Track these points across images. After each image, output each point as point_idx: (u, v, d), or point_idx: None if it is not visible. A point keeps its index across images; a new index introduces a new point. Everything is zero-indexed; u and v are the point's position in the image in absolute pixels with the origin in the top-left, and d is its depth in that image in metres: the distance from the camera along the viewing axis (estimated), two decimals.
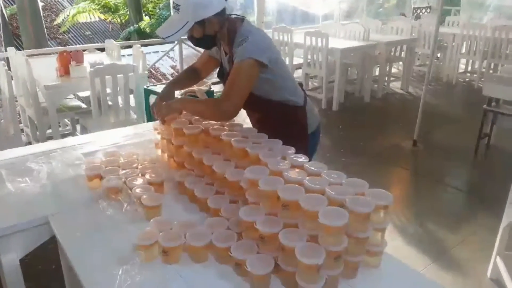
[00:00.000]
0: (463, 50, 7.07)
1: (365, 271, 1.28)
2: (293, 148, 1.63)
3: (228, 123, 1.87)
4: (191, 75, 2.17)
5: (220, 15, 1.74)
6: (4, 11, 9.02)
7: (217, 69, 2.08)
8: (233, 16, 1.84)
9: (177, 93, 3.59)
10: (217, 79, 2.17)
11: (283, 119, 1.91)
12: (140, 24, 12.24)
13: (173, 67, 10.12)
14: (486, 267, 2.64)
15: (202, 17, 1.70)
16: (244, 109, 1.92)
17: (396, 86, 6.88)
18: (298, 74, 6.40)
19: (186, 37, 1.83)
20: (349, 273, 1.24)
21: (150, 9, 13.30)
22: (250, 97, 1.75)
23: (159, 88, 3.81)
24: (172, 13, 1.76)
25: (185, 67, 4.40)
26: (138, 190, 1.60)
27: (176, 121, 1.89)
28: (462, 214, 3.45)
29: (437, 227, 3.22)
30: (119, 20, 13.44)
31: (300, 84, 2.07)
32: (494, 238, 2.59)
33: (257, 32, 1.81)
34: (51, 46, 9.95)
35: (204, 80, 3.73)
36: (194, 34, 1.77)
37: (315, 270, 1.11)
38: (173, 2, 1.72)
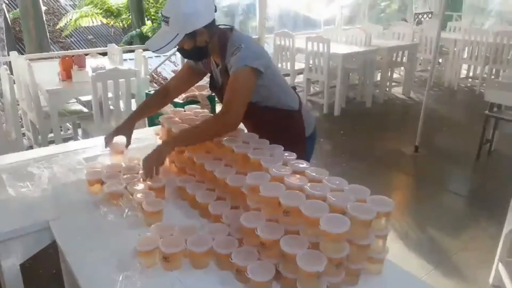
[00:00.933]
0: (465, 56, 7.07)
1: (366, 278, 1.27)
2: (294, 153, 1.62)
3: None
4: (156, 99, 2.10)
5: (210, 27, 1.73)
6: (7, 15, 9.06)
7: (198, 83, 2.09)
8: (222, 26, 1.83)
9: (178, 98, 3.60)
10: None
11: (280, 124, 1.91)
12: (142, 28, 12.27)
13: (174, 71, 10.14)
14: (488, 273, 2.63)
15: (192, 29, 1.67)
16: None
17: (397, 91, 6.88)
18: (299, 79, 6.41)
19: (176, 49, 1.79)
20: (351, 280, 1.23)
21: (152, 13, 13.33)
22: (248, 106, 1.74)
23: None
24: (162, 25, 1.71)
25: None
26: (139, 196, 1.60)
27: (177, 126, 1.89)
28: (464, 220, 3.44)
29: (439, 233, 3.20)
30: (121, 24, 13.48)
31: (293, 88, 2.06)
32: (496, 244, 2.58)
33: (248, 40, 1.80)
34: (53, 50, 10.01)
35: (205, 84, 3.74)
36: (184, 46, 1.73)
37: (316, 277, 1.10)
38: (162, 15, 1.68)
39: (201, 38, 1.72)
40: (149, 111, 2.13)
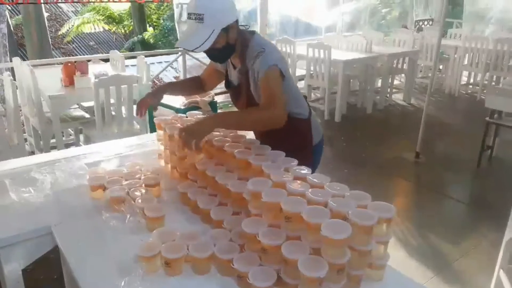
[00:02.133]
0: (465, 62, 7.09)
1: (368, 284, 1.27)
2: (296, 160, 1.63)
3: (231, 134, 1.87)
4: (194, 83, 2.17)
5: (237, 22, 1.75)
6: (9, 21, 9.12)
7: (221, 83, 2.09)
8: (242, 27, 1.84)
9: (180, 104, 3.62)
10: (220, 90, 2.20)
11: (289, 132, 1.87)
12: (144, 34, 12.35)
13: (176, 78, 10.18)
14: (489, 280, 2.62)
15: (227, 23, 1.68)
16: None
17: (398, 98, 6.89)
18: (300, 85, 6.43)
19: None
20: (352, 286, 1.24)
21: (154, 20, 13.42)
22: None
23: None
24: (190, 24, 1.69)
25: (188, 76, 4.41)
26: (141, 201, 1.60)
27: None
28: (465, 226, 3.44)
29: (440, 239, 3.20)
30: (123, 30, 13.56)
31: (304, 97, 2.06)
32: (497, 251, 2.57)
33: (270, 44, 1.82)
34: (55, 56, 10.04)
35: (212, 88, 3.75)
36: (217, 44, 1.70)
37: (317, 283, 1.11)
38: (192, 13, 1.65)
39: (232, 33, 1.74)
40: (182, 90, 2.21)
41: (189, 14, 1.68)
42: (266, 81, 1.71)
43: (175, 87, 2.19)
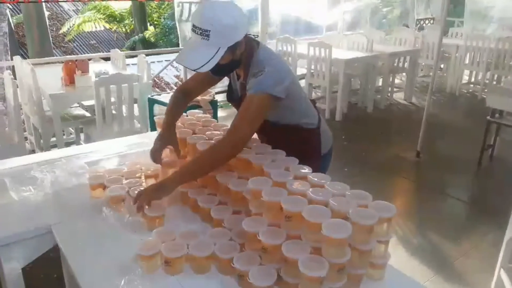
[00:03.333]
0: (467, 61, 7.07)
1: (368, 283, 1.27)
2: (297, 159, 1.63)
3: None
4: (183, 100, 1.97)
5: (245, 36, 1.61)
6: (10, 20, 9.12)
7: (212, 86, 2.03)
8: (250, 36, 1.70)
9: None
10: (220, 89, 2.17)
11: (297, 141, 1.80)
12: (145, 33, 12.35)
13: (177, 76, 10.19)
14: (489, 280, 2.62)
15: (235, 40, 1.54)
16: (256, 134, 1.84)
17: (399, 97, 6.88)
18: (301, 84, 6.42)
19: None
20: (353, 285, 1.24)
21: (155, 18, 13.42)
22: (264, 124, 1.66)
23: (163, 97, 3.83)
24: (194, 38, 1.53)
25: (188, 76, 4.41)
26: None
27: (179, 131, 1.90)
28: (466, 225, 3.43)
29: (441, 238, 3.20)
30: (124, 29, 13.57)
31: (313, 102, 1.96)
32: (497, 251, 2.57)
33: (274, 59, 1.69)
34: (56, 55, 10.04)
35: (208, 89, 3.75)
36: (222, 60, 1.55)
37: (318, 282, 1.11)
38: (198, 27, 1.49)
39: (239, 49, 1.60)
40: (179, 112, 1.96)
41: (193, 26, 1.52)
42: (246, 105, 1.60)
43: (174, 115, 1.92)
